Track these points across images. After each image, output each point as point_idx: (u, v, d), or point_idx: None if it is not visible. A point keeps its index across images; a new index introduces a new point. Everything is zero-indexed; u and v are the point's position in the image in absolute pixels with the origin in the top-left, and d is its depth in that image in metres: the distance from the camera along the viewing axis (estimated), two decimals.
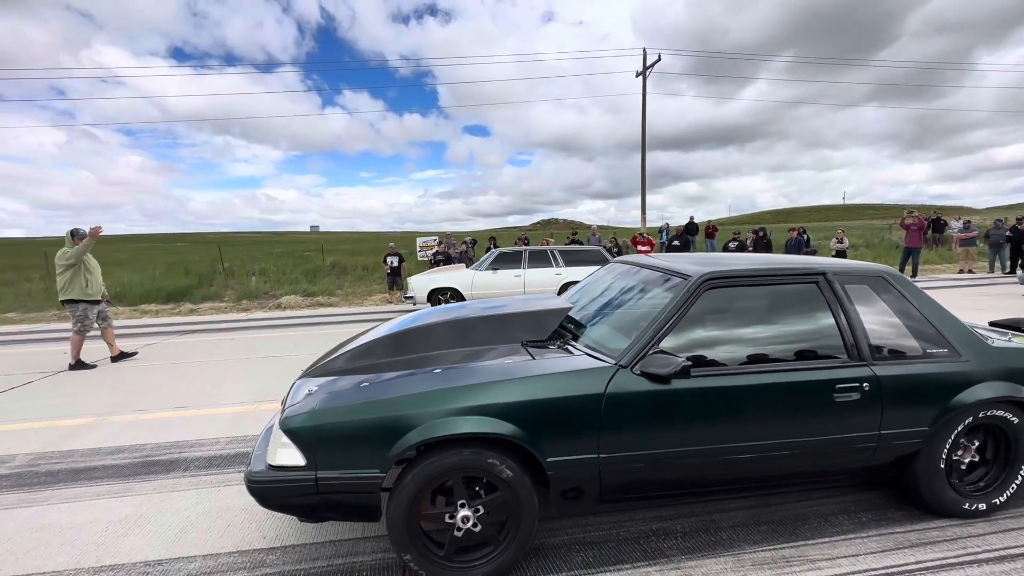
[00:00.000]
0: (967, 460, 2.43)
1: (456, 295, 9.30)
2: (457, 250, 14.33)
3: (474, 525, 2.02)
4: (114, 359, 6.20)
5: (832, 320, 2.30)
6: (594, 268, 9.38)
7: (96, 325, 6.01)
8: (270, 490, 1.95)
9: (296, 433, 1.93)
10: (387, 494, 1.99)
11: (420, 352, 2.43)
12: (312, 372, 2.43)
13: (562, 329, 2.66)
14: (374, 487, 1.93)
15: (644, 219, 20.95)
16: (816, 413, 2.19)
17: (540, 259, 9.76)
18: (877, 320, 2.34)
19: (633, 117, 21.20)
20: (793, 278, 2.37)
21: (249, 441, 3.51)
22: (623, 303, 2.69)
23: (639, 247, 13.45)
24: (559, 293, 9.15)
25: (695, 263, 2.49)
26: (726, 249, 13.48)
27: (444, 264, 12.81)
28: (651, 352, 2.08)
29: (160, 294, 12.84)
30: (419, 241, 15.43)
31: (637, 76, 20.44)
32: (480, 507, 2.01)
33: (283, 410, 2.12)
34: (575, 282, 9.40)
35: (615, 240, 14.83)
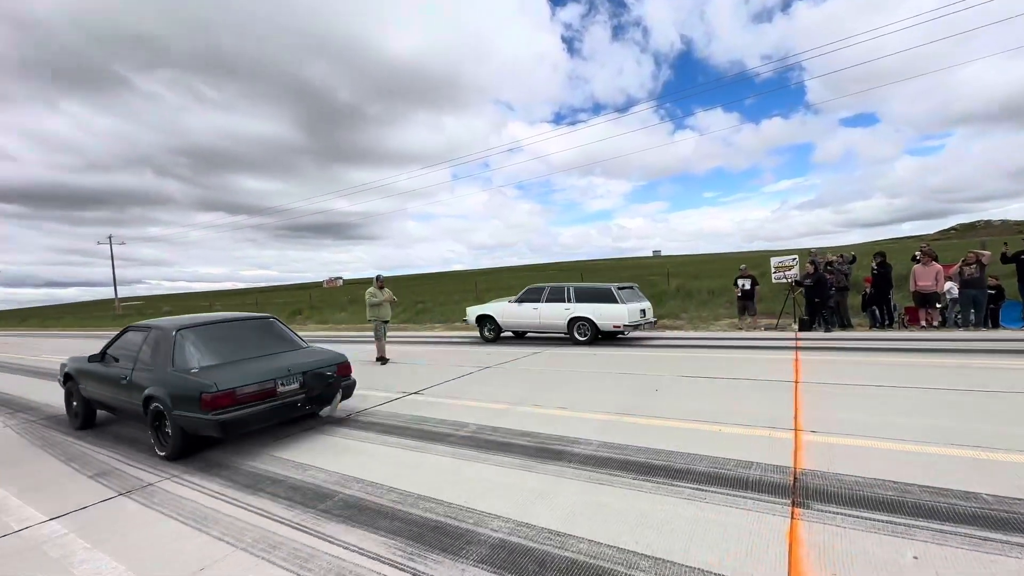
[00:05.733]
0: None
1: None
2: (831, 270, 11.20)
3: None
4: (379, 359, 9.27)
5: None
6: None
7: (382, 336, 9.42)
8: None
9: None
10: None
11: None
12: None
13: None
14: None
15: None
16: None
17: None
18: None
19: None
20: None
21: (614, 448, 3.93)
22: None
23: None
24: None
25: None
26: None
27: (813, 288, 10.62)
28: None
29: None
30: (774, 261, 13.64)
31: None
32: None
33: None
34: None
35: None
